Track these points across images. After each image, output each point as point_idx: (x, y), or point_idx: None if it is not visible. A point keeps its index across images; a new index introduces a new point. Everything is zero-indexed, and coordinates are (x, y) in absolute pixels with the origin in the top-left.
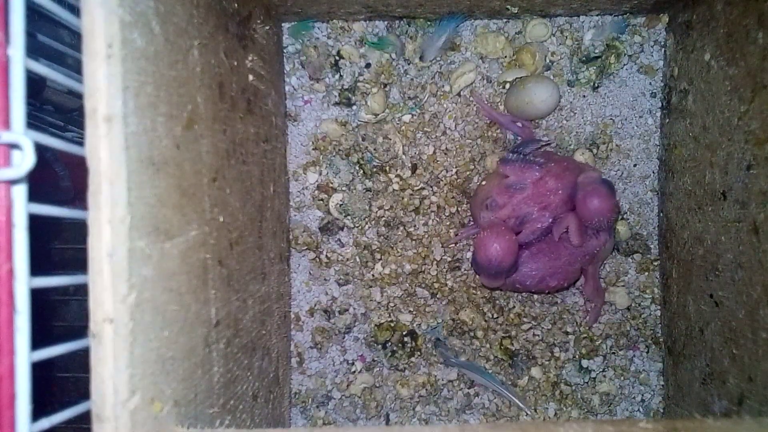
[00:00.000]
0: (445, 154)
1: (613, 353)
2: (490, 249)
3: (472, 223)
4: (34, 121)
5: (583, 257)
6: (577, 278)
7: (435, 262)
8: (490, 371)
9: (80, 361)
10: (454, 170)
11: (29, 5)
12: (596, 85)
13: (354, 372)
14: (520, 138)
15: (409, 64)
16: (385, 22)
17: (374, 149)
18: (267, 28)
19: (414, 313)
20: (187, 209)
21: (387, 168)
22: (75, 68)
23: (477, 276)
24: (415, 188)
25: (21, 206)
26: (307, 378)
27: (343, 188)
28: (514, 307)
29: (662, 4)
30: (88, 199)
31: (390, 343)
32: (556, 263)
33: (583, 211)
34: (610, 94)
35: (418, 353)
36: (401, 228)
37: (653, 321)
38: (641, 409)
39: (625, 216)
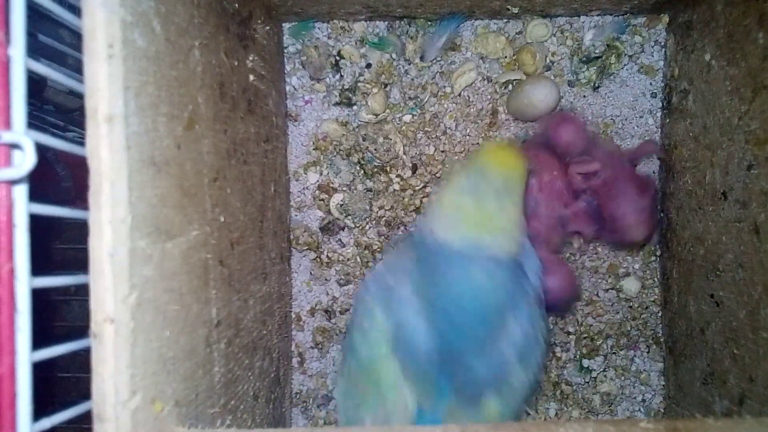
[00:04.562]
0: (446, 154)
1: (614, 353)
2: (575, 283)
3: None
4: (35, 121)
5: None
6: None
7: None
8: None
9: (81, 361)
10: None
11: (30, 5)
12: (597, 85)
13: None
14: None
15: (409, 64)
16: (386, 23)
17: (375, 149)
18: (268, 28)
19: None
20: (188, 209)
21: (388, 168)
22: (76, 68)
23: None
24: (416, 188)
25: (22, 206)
26: (308, 378)
27: (344, 188)
28: None
29: (662, 5)
30: (89, 199)
31: None
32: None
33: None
34: (610, 95)
35: None
36: (402, 228)
37: (654, 321)
38: (642, 409)
39: None
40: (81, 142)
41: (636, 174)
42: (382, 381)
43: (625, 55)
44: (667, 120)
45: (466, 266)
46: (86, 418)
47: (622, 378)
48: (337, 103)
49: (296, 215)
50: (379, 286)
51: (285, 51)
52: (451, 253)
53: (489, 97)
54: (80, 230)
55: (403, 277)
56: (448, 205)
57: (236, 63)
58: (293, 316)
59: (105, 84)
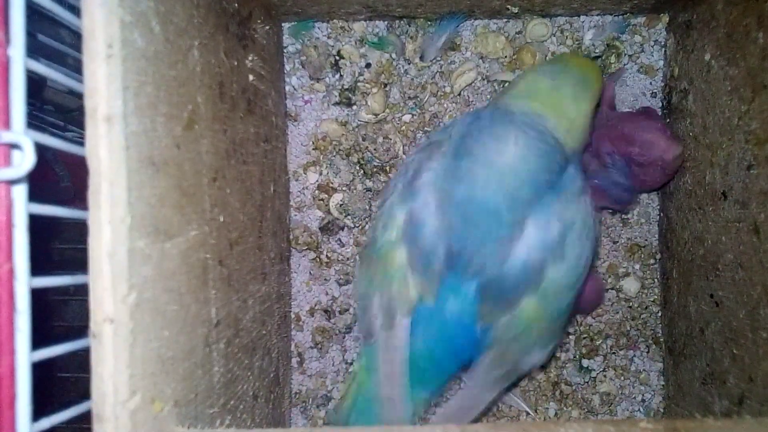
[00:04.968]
0: None
1: (614, 353)
2: (602, 287)
3: None
4: (34, 121)
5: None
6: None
7: None
8: None
9: (80, 361)
10: None
11: (30, 5)
12: None
13: None
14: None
15: (409, 64)
16: (386, 22)
17: (374, 149)
18: (267, 27)
19: None
20: (187, 209)
21: (387, 168)
22: (75, 68)
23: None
24: None
25: (21, 206)
26: (308, 378)
27: (344, 188)
28: None
29: (662, 4)
30: (88, 199)
31: None
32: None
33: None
34: None
35: None
36: None
37: (653, 321)
38: (641, 409)
39: (625, 216)
40: (80, 141)
41: (632, 111)
42: (388, 265)
43: (625, 54)
44: (667, 120)
45: (510, 133)
46: (86, 418)
47: (622, 378)
48: (336, 103)
49: (296, 215)
50: (403, 173)
51: (284, 51)
52: (504, 117)
53: (489, 96)
54: (79, 230)
55: (427, 167)
56: (524, 82)
57: (236, 63)
58: (292, 316)
59: (104, 84)
